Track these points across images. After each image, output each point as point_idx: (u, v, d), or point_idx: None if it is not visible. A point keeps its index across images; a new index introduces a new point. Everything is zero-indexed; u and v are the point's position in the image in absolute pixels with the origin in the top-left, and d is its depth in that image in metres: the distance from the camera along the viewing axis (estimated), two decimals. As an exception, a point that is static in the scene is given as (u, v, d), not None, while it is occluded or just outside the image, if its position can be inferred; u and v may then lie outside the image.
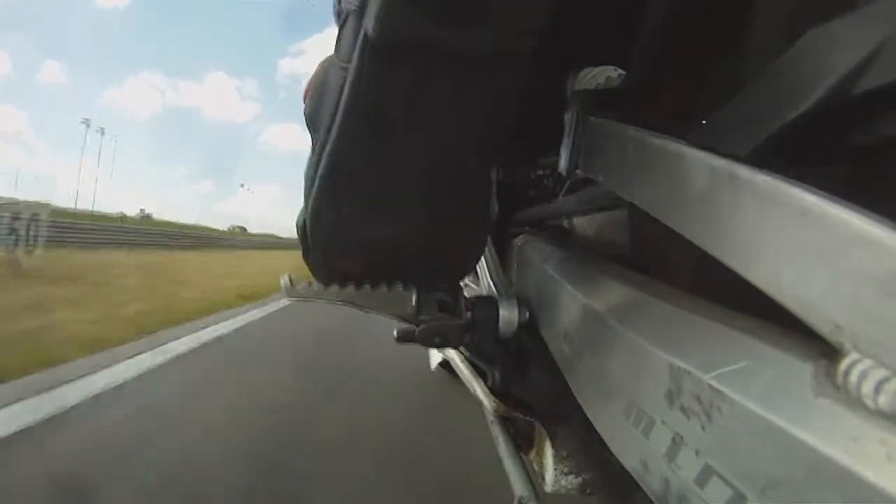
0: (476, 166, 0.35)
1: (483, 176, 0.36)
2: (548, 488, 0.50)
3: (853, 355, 0.15)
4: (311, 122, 0.35)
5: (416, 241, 0.36)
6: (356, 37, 0.27)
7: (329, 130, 0.31)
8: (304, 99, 0.37)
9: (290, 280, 0.42)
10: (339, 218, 0.34)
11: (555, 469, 0.49)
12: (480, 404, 0.59)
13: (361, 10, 0.26)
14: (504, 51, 0.26)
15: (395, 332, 0.45)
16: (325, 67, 0.34)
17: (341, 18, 0.31)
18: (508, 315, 0.43)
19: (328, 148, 0.31)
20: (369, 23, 0.24)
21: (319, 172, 0.32)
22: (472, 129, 0.31)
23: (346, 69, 0.29)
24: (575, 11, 0.30)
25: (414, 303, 0.39)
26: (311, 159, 0.35)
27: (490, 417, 0.60)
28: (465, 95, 0.29)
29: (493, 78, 0.28)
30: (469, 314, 0.42)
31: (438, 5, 0.23)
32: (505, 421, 0.60)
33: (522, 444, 0.58)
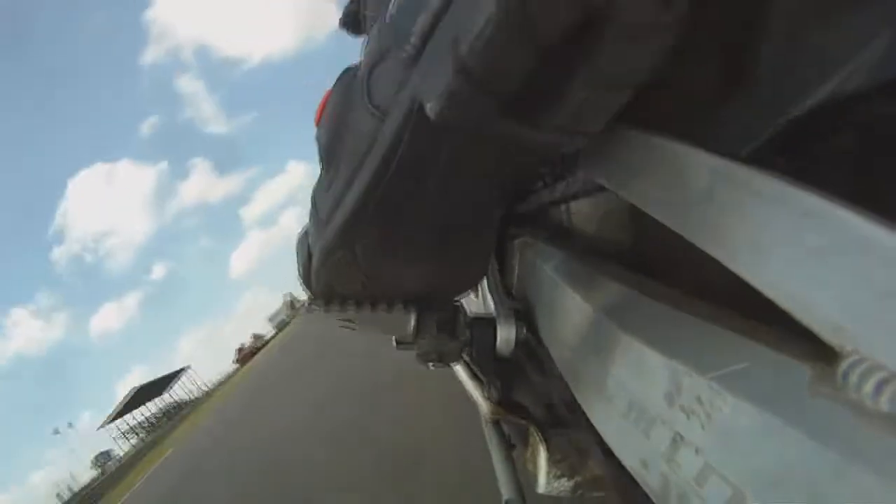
0: (495, 207, 0.34)
1: (498, 212, 0.36)
2: (540, 490, 0.50)
3: (853, 356, 0.15)
4: (327, 156, 0.33)
5: (422, 273, 0.36)
6: (398, 86, 0.25)
7: (353, 173, 0.29)
8: (317, 124, 0.35)
9: (292, 301, 0.42)
10: (349, 255, 0.33)
11: (548, 472, 0.49)
12: (476, 406, 0.59)
13: (414, 61, 0.22)
14: (556, 146, 0.25)
15: (393, 340, 0.46)
16: (345, 95, 0.31)
17: (380, 50, 0.26)
18: (506, 334, 0.43)
19: (351, 194, 0.30)
20: (429, 98, 0.21)
21: (339, 214, 0.31)
22: (501, 184, 0.31)
23: (377, 117, 0.27)
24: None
25: (413, 323, 0.39)
26: (324, 191, 0.33)
27: (485, 419, 0.60)
28: (501, 165, 0.28)
29: (532, 153, 0.27)
30: (468, 332, 0.42)
31: (511, 97, 0.20)
32: (499, 423, 0.59)
33: (516, 445, 0.57)
